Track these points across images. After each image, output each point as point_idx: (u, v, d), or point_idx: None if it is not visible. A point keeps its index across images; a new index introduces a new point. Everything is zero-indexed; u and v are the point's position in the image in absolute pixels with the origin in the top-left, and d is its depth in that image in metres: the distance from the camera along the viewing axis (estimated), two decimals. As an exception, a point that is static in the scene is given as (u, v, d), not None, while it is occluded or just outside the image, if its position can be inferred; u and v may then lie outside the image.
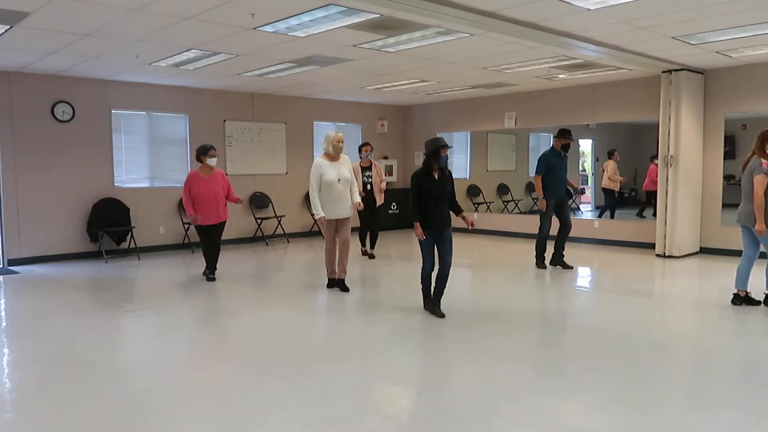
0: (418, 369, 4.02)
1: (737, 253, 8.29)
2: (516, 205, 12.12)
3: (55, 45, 6.48)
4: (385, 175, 8.80)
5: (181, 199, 9.60)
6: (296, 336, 4.94)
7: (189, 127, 9.79)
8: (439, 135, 5.36)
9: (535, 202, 12.18)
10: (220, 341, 4.79)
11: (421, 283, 5.40)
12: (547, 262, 7.52)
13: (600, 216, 10.77)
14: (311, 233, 11.27)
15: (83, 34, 6.01)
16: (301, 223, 11.19)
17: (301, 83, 9.37)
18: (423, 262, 5.30)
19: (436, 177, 5.07)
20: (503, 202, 12.13)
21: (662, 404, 3.35)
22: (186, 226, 9.38)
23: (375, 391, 3.66)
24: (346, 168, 6.25)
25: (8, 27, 5.69)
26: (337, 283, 6.46)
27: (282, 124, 10.91)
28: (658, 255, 8.51)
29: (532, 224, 10.75)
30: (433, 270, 5.30)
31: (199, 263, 8.50)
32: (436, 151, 5.00)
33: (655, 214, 10.43)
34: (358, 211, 6.65)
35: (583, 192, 10.26)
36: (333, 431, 3.07)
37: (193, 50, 6.86)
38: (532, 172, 12.33)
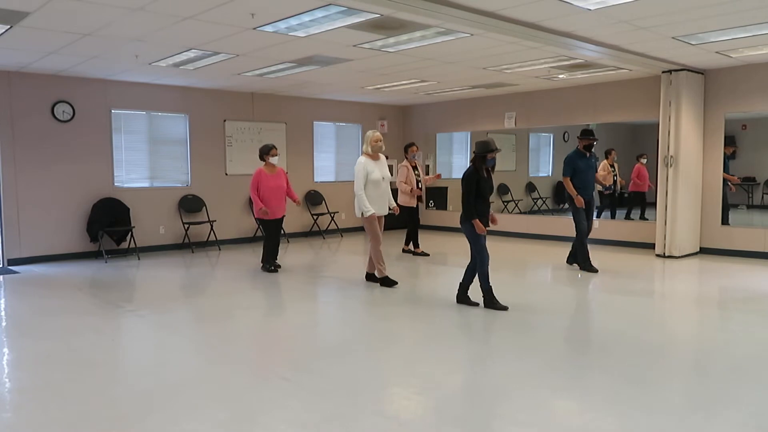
0: (420, 368, 4.01)
1: (737, 254, 8.35)
2: (516, 205, 12.11)
3: (55, 45, 6.48)
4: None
5: (180, 199, 9.65)
6: (297, 335, 4.95)
7: (189, 127, 9.79)
8: (486, 138, 5.62)
9: (535, 202, 12.19)
10: (221, 341, 4.79)
11: (485, 281, 5.45)
12: (593, 263, 7.45)
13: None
14: (311, 233, 11.27)
15: (83, 34, 6.01)
16: (300, 223, 11.19)
17: (301, 83, 9.38)
18: (482, 257, 5.40)
19: (486, 175, 5.42)
20: (503, 202, 12.12)
21: (662, 404, 3.35)
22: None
23: (376, 390, 3.65)
24: (386, 167, 6.53)
25: (8, 27, 5.69)
26: (368, 277, 6.70)
27: (282, 124, 10.91)
28: (658, 255, 8.51)
29: (532, 224, 10.79)
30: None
31: (199, 263, 8.53)
32: (484, 154, 5.32)
33: (629, 215, 10.45)
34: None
35: (610, 189, 10.30)
36: (333, 431, 3.07)
37: (193, 50, 6.86)
38: (532, 173, 12.42)
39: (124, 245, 8.99)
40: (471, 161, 5.44)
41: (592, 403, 3.40)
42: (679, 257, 8.35)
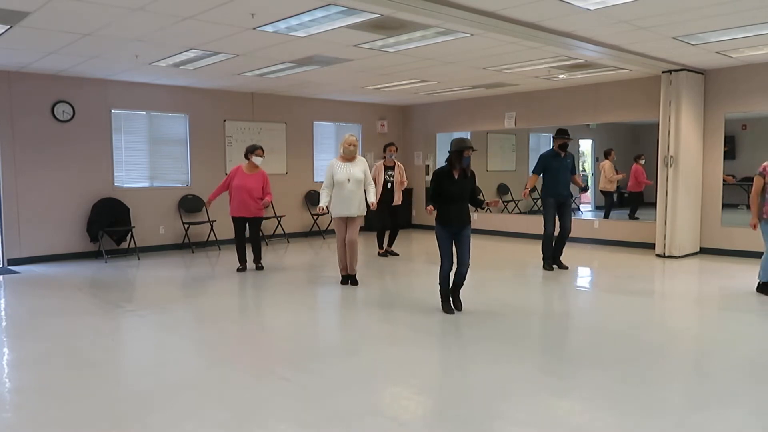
0: (419, 368, 4.01)
1: (737, 254, 8.35)
2: (516, 205, 12.11)
3: (55, 45, 6.47)
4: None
5: (180, 199, 9.67)
6: (297, 335, 4.95)
7: (189, 127, 9.79)
8: (462, 136, 5.51)
9: (535, 202, 12.18)
10: (220, 341, 4.79)
11: (440, 284, 5.38)
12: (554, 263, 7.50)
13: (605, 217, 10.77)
14: (311, 233, 11.27)
15: (83, 34, 6.01)
16: (301, 223, 11.19)
17: (301, 83, 9.37)
18: (441, 261, 5.30)
19: (456, 176, 5.21)
20: (503, 202, 12.12)
21: (662, 404, 3.35)
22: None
23: (376, 390, 3.65)
24: (358, 169, 6.55)
25: (8, 27, 5.69)
26: (349, 279, 6.74)
27: (282, 124, 10.91)
28: (658, 255, 8.50)
29: (532, 224, 10.78)
30: (451, 269, 5.32)
31: (199, 263, 8.54)
32: (460, 152, 5.14)
33: (631, 215, 10.45)
34: (377, 211, 6.92)
35: (587, 189, 10.31)
36: (333, 431, 3.07)
37: (193, 50, 6.86)
38: (532, 172, 12.41)
39: (124, 245, 8.99)
40: (446, 160, 5.25)
41: (592, 403, 3.40)
42: (679, 257, 8.35)
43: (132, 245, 8.93)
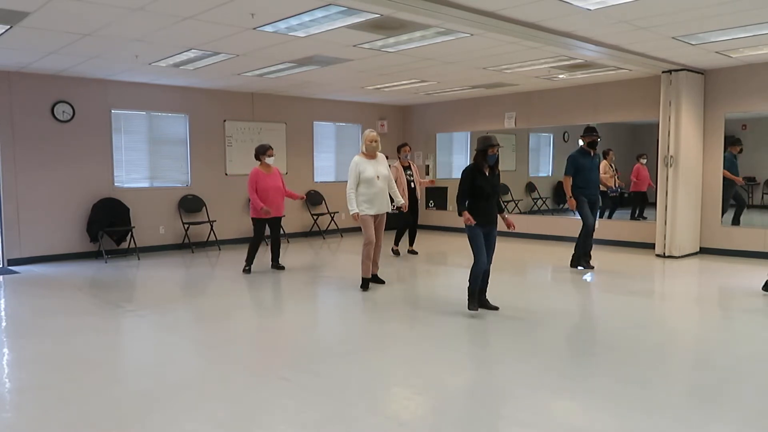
0: (420, 368, 4.01)
1: (737, 254, 8.35)
2: (516, 205, 12.11)
3: (55, 45, 6.48)
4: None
5: (180, 199, 9.65)
6: (297, 335, 4.95)
7: (189, 127, 9.79)
8: (489, 134, 5.51)
9: (535, 202, 12.19)
10: (220, 341, 4.79)
11: (471, 282, 5.32)
12: (590, 261, 7.42)
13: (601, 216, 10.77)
14: (311, 233, 11.27)
15: (83, 34, 6.01)
16: (301, 223, 11.19)
17: (301, 83, 9.38)
18: (476, 258, 5.25)
19: (487, 173, 5.23)
20: (503, 202, 12.12)
21: (662, 404, 3.35)
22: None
23: (376, 390, 3.65)
24: (383, 166, 6.47)
25: (8, 27, 5.69)
26: (372, 279, 6.58)
27: (282, 124, 10.91)
28: (658, 255, 8.51)
29: (532, 224, 10.79)
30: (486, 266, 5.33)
31: (199, 263, 8.53)
32: (485, 150, 5.16)
33: (635, 215, 10.45)
34: (400, 210, 6.90)
35: (616, 192, 10.30)
36: (333, 431, 3.07)
37: (193, 50, 6.86)
38: (532, 172, 12.42)
39: (124, 245, 8.99)
40: (473, 158, 5.27)
41: (593, 404, 3.40)
42: (679, 257, 8.35)
43: (132, 245, 8.94)
